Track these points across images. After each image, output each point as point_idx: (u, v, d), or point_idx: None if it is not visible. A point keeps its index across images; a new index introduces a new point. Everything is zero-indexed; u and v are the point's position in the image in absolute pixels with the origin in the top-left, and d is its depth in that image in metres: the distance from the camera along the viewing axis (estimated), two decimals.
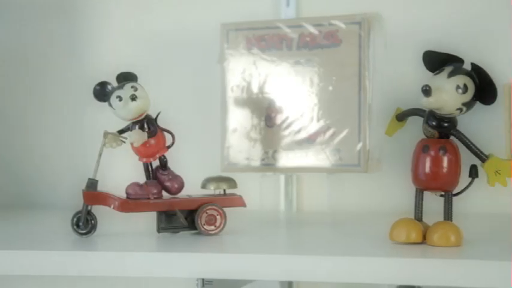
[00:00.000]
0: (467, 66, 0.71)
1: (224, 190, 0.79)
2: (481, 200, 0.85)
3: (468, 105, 0.71)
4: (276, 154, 0.88)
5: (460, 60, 0.72)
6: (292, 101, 0.87)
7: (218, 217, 0.77)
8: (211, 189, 0.79)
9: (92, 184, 0.76)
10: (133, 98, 0.75)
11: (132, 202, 0.76)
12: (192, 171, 0.79)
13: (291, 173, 0.91)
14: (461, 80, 0.70)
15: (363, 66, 0.84)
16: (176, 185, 0.78)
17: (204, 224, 0.77)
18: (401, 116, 0.79)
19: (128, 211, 0.76)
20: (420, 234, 0.70)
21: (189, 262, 0.67)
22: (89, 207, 0.76)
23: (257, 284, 0.81)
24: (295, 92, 0.87)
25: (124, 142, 0.77)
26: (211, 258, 0.67)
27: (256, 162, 0.88)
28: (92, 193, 0.75)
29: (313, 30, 0.86)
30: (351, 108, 0.85)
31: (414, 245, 0.70)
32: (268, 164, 0.88)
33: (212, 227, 0.77)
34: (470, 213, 0.85)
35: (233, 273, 0.68)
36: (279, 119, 0.88)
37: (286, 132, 0.87)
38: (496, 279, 0.63)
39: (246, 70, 0.89)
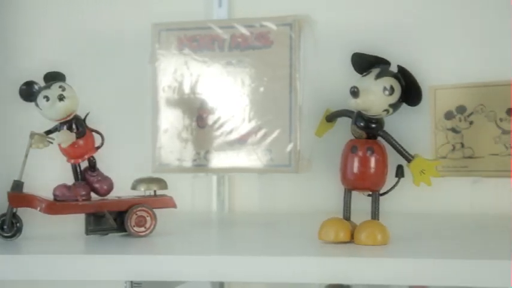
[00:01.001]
0: (393, 69, 0.73)
1: (154, 191, 0.78)
2: (407, 200, 0.87)
3: (395, 106, 0.72)
4: (207, 155, 0.88)
5: (387, 63, 0.73)
6: (223, 102, 0.87)
7: (148, 218, 0.76)
8: (142, 191, 0.78)
9: (18, 186, 0.74)
10: (61, 98, 0.74)
11: (59, 204, 0.74)
12: (122, 172, 0.78)
13: (222, 173, 0.91)
14: (388, 81, 0.71)
15: (294, 67, 0.85)
16: (105, 187, 0.77)
17: (133, 226, 0.76)
18: (331, 117, 0.80)
19: (55, 213, 0.74)
20: (348, 233, 0.71)
21: (117, 264, 0.66)
22: (14, 210, 0.74)
23: (188, 285, 0.81)
24: (227, 92, 0.87)
25: (51, 143, 0.75)
26: (140, 260, 0.66)
27: (188, 163, 0.88)
28: (18, 195, 0.74)
29: (244, 31, 0.87)
30: (282, 109, 0.86)
31: (342, 244, 0.71)
32: (200, 165, 0.88)
33: (142, 229, 0.76)
34: (396, 212, 0.87)
35: (163, 275, 0.67)
36: (210, 119, 0.88)
37: (217, 133, 0.87)
38: (421, 277, 0.65)
39: (178, 70, 0.89)
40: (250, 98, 0.87)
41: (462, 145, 0.80)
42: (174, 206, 0.78)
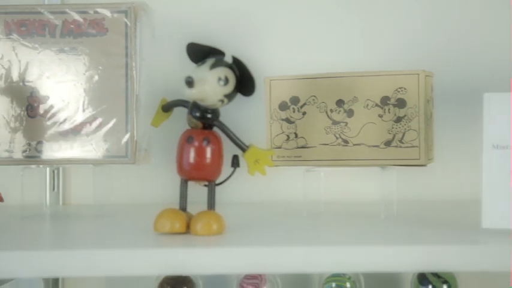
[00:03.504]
0: (229, 59, 0.73)
1: None
2: (243, 189, 0.88)
3: (229, 96, 0.73)
4: (39, 146, 0.84)
5: (221, 53, 0.74)
6: (56, 90, 0.84)
7: None
8: None
9: None
10: None
11: None
12: None
13: (56, 165, 0.88)
14: (222, 72, 0.72)
15: (130, 56, 0.83)
16: None
17: None
18: (167, 107, 0.80)
19: None
20: (184, 224, 0.71)
21: None
22: None
23: (19, 282, 0.77)
24: (60, 81, 0.84)
25: None
26: None
27: (18, 155, 0.84)
28: None
29: (77, 17, 0.83)
30: (118, 99, 0.83)
31: (178, 235, 0.71)
32: (31, 156, 0.84)
33: None
34: (233, 202, 0.88)
35: None
36: (42, 108, 0.84)
37: (50, 123, 0.84)
38: (256, 265, 0.66)
39: (5, 56, 0.84)
40: (85, 86, 0.84)
41: (296, 135, 0.83)
42: (0, 199, 0.74)
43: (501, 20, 0.89)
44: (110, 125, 0.84)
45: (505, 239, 0.66)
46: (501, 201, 0.68)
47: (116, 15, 0.83)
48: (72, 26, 0.83)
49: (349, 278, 0.83)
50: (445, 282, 0.82)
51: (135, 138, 0.83)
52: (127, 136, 0.83)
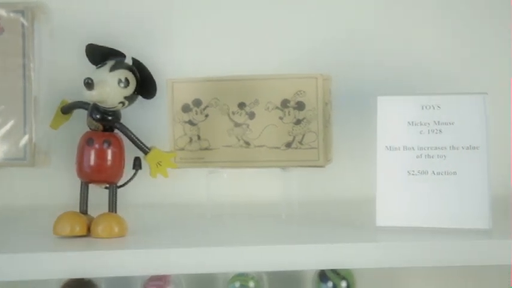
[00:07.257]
0: (129, 61, 0.73)
1: None
2: (146, 191, 0.88)
3: (130, 99, 0.73)
4: None
5: (122, 55, 0.74)
6: None
7: None
8: None
9: None
10: None
11: None
12: None
13: None
14: (122, 74, 0.71)
15: (28, 56, 0.81)
16: None
17: None
18: (67, 109, 0.79)
19: None
20: (84, 227, 0.71)
21: None
22: None
23: None
24: None
25: None
26: None
27: None
28: None
29: None
30: (16, 100, 0.82)
31: (79, 238, 0.70)
32: None
33: None
34: (135, 204, 0.88)
35: None
36: None
37: None
38: (160, 266, 0.66)
39: None
40: None
41: (199, 137, 0.83)
42: None
43: (397, 24, 0.93)
44: (7, 127, 0.82)
45: (398, 236, 0.69)
46: (394, 200, 0.71)
47: (12, 14, 0.81)
48: None
49: (253, 278, 0.85)
50: (344, 278, 0.84)
51: (33, 140, 0.82)
52: (25, 138, 0.82)
